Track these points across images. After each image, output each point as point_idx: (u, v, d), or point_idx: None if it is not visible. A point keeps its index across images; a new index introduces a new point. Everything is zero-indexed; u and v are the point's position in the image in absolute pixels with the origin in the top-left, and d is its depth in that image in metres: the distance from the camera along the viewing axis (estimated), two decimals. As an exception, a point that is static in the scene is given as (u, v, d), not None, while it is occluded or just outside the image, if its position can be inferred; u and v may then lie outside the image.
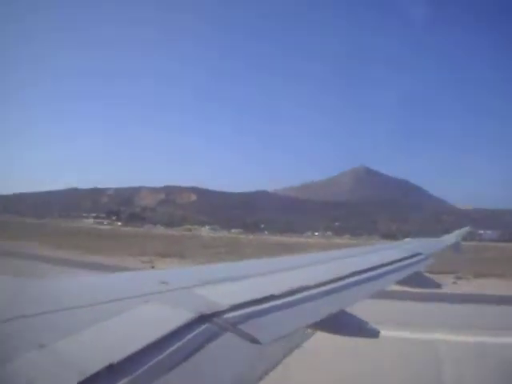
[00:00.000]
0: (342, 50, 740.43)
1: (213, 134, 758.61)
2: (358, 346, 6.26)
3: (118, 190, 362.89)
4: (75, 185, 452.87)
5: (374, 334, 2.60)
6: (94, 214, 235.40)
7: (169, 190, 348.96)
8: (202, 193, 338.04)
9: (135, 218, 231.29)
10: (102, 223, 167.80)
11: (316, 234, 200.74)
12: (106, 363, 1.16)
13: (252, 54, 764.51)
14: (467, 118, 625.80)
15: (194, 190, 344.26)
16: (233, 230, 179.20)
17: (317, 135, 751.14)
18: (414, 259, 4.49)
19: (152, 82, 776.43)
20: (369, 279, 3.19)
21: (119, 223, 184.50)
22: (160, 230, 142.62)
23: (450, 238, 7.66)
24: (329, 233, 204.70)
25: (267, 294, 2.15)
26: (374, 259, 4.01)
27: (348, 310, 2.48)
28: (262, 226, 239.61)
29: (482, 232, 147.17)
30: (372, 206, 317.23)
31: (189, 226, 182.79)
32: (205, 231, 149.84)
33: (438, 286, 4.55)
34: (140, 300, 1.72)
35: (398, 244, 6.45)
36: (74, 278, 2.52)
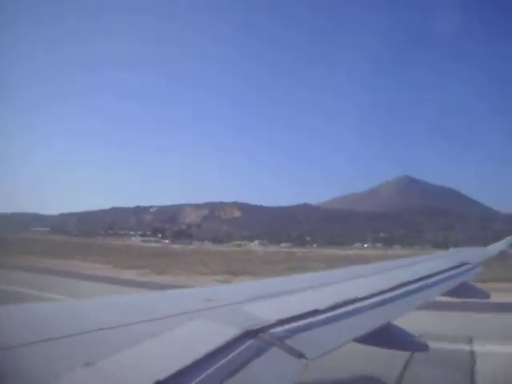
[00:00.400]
0: (385, 53, 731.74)
1: (252, 151, 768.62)
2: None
3: (161, 208, 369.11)
4: (118, 204, 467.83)
5: (423, 347, 2.57)
6: (140, 232, 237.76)
7: (212, 207, 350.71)
8: (245, 208, 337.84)
9: (181, 234, 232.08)
10: (149, 241, 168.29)
11: (365, 245, 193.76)
12: (152, 381, 1.16)
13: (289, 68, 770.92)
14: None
15: (236, 205, 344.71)
16: (282, 245, 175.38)
17: (356, 146, 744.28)
18: (462, 269, 4.45)
19: (198, 98, 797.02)
20: (415, 291, 3.15)
21: (166, 241, 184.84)
22: (209, 246, 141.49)
23: (496, 247, 7.24)
24: (378, 244, 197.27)
25: (312, 308, 2.14)
26: (420, 270, 4.00)
27: (396, 322, 2.43)
28: (308, 238, 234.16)
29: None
30: (416, 216, 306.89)
31: (238, 242, 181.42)
32: (254, 246, 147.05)
33: (487, 296, 4.38)
34: (185, 317, 1.74)
35: (445, 254, 6.20)
36: (120, 296, 2.55)
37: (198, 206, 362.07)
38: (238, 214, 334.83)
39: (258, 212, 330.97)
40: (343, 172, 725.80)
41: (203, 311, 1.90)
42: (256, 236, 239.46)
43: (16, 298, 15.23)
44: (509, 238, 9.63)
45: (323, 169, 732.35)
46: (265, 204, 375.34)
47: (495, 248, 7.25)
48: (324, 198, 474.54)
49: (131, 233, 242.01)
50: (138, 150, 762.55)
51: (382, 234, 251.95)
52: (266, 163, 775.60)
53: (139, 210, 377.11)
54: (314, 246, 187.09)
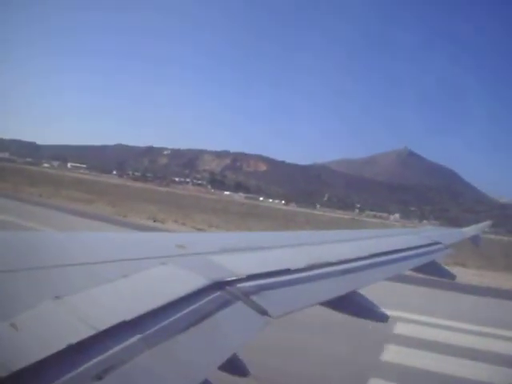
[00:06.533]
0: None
1: (276, 100, 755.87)
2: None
3: (175, 151, 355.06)
4: (124, 141, 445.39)
5: (383, 318, 2.62)
6: (197, 181, 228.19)
7: (235, 157, 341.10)
8: (270, 162, 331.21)
9: (239, 186, 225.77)
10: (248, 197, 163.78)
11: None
12: (119, 320, 1.18)
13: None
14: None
15: (261, 158, 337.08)
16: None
17: (361, 112, 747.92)
18: (433, 247, 4.56)
19: (221, 43, 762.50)
20: (385, 263, 3.24)
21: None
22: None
23: (470, 230, 7.34)
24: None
25: (284, 267, 2.16)
26: (394, 243, 4.06)
27: (361, 291, 2.53)
28: (358, 205, 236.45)
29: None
30: (412, 189, 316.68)
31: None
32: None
33: (453, 276, 4.50)
34: (157, 261, 1.75)
35: (419, 231, 6.57)
36: (96, 233, 2.53)
37: (218, 154, 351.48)
38: (263, 167, 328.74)
39: (283, 168, 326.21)
40: (345, 136, 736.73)
41: (175, 257, 1.91)
42: (285, 194, 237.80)
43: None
44: (486, 223, 9.80)
45: (327, 132, 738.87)
46: (286, 160, 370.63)
47: (470, 231, 7.28)
48: (326, 159, 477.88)
49: (176, 179, 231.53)
50: (152, 85, 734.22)
51: (412, 208, 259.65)
52: (289, 118, 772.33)
53: (151, 151, 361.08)
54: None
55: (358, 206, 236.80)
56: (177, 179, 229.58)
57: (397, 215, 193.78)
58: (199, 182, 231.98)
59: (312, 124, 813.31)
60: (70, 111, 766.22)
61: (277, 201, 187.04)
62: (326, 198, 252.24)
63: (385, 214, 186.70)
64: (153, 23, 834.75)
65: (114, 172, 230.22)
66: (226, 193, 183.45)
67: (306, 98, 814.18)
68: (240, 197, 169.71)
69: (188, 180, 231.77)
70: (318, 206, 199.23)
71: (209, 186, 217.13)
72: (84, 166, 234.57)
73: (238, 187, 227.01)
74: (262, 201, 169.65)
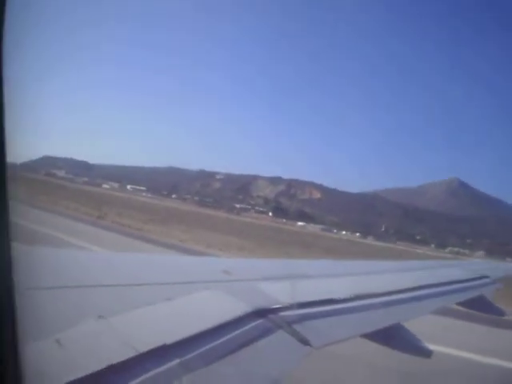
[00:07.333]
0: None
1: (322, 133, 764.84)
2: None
3: (228, 176, 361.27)
4: (175, 164, 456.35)
5: (426, 353, 2.54)
6: (259, 208, 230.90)
7: (288, 183, 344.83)
8: (323, 190, 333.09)
9: (303, 215, 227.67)
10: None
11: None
12: (160, 343, 1.20)
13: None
14: None
15: (314, 185, 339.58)
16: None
17: (412, 142, 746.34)
18: (481, 281, 4.42)
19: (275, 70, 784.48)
20: (431, 296, 3.17)
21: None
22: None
23: None
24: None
25: (328, 296, 2.16)
26: (440, 276, 4.02)
27: (405, 324, 2.46)
28: (418, 237, 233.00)
29: None
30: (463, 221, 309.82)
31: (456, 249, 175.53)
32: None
33: (502, 313, 4.30)
34: (201, 286, 1.77)
35: (467, 263, 6.41)
36: (142, 255, 2.41)
37: (271, 180, 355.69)
38: (317, 195, 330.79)
39: (337, 196, 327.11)
40: (396, 165, 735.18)
41: (220, 283, 1.92)
42: (345, 223, 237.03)
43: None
44: None
45: (380, 159, 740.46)
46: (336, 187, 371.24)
47: None
48: (375, 187, 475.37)
49: (237, 206, 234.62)
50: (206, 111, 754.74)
51: (469, 240, 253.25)
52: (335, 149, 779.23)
53: (204, 175, 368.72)
54: (432, 246, 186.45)
55: (418, 237, 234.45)
56: (237, 205, 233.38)
57: (481, 252, 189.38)
58: (261, 209, 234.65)
59: (360, 152, 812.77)
60: (119, 131, 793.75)
61: (348, 232, 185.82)
62: (383, 229, 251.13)
63: (466, 251, 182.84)
64: (199, 51, 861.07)
65: (174, 196, 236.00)
66: (300, 223, 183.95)
67: (348, 129, 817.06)
68: (314, 228, 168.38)
69: (249, 207, 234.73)
70: (374, 237, 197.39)
71: (270, 213, 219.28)
72: (143, 188, 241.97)
73: (301, 216, 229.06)
74: (336, 233, 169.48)
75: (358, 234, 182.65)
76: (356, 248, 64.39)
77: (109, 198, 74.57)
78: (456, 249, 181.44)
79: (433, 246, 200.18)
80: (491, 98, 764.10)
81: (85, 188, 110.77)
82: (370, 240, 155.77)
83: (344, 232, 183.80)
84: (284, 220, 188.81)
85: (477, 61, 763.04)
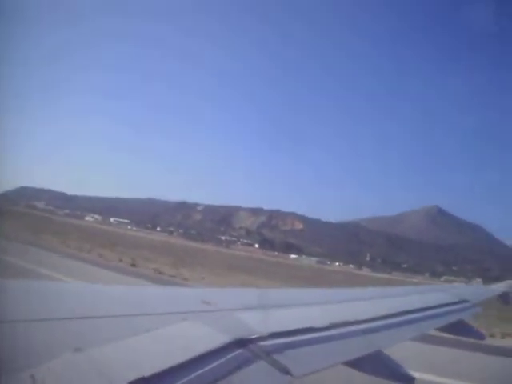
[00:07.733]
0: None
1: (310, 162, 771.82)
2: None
3: (209, 207, 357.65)
4: (154, 195, 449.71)
5: (409, 379, 2.54)
6: (243, 239, 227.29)
7: (270, 214, 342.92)
8: (305, 220, 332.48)
9: (291, 247, 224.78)
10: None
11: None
12: (138, 375, 1.18)
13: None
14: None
15: (296, 216, 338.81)
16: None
17: (389, 170, 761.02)
18: (460, 306, 4.47)
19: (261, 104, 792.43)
20: (411, 321, 3.18)
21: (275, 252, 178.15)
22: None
23: (499, 287, 7.11)
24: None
25: (308, 325, 2.16)
26: (419, 301, 4.05)
27: (387, 351, 2.46)
28: (405, 266, 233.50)
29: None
30: (451, 249, 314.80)
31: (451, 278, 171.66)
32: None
33: (482, 336, 4.34)
34: (179, 317, 1.75)
35: (447, 288, 6.45)
36: (119, 286, 2.60)
37: (253, 211, 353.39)
38: (299, 225, 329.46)
39: (319, 226, 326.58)
40: (372, 194, 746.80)
41: (198, 313, 1.91)
42: (331, 254, 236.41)
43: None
44: (509, 281, 9.35)
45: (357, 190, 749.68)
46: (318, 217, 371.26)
47: (499, 288, 7.11)
48: (355, 216, 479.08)
49: (223, 237, 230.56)
50: (187, 141, 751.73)
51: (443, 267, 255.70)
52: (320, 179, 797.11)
53: (184, 206, 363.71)
54: (426, 275, 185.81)
55: (405, 266, 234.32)
56: (222, 237, 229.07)
57: (479, 280, 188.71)
58: (245, 241, 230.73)
59: (342, 182, 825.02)
60: (96, 162, 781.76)
61: (340, 263, 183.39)
62: (368, 258, 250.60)
63: (461, 278, 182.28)
64: (183, 77, 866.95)
65: (158, 228, 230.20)
66: (293, 256, 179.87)
67: (332, 156, 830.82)
68: (309, 261, 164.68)
69: (234, 239, 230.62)
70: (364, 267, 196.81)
71: (256, 245, 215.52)
72: (127, 220, 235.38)
73: (288, 247, 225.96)
74: (329, 265, 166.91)
75: (351, 266, 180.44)
76: (359, 280, 63.56)
77: (105, 233, 71.42)
78: (451, 278, 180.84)
79: (427, 274, 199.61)
80: (469, 123, 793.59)
81: (69, 221, 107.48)
82: (366, 271, 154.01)
83: (337, 263, 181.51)
84: (276, 253, 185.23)
85: (456, 85, 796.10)
